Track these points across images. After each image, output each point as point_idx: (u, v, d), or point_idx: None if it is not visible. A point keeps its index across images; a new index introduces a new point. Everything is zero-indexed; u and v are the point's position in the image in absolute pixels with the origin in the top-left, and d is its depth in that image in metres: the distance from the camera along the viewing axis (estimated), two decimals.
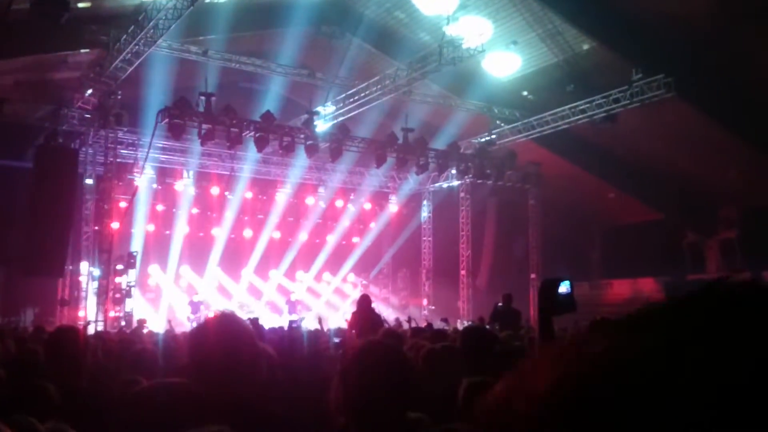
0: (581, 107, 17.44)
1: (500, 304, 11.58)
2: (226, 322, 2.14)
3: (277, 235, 22.86)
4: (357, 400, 1.96)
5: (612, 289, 22.29)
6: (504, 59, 17.18)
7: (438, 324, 14.64)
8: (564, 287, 3.12)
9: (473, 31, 15.40)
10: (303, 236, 23.35)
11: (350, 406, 1.98)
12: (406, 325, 14.84)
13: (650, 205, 21.15)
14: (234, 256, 22.04)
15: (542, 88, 18.63)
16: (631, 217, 22.12)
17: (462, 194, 22.80)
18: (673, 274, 20.26)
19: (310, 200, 23.48)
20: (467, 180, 21.74)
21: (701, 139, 17.15)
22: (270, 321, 17.87)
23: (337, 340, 8.26)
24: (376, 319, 9.48)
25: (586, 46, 16.56)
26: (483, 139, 20.69)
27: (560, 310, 3.19)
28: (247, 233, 22.44)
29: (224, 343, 2.00)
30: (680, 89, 15.25)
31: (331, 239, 23.89)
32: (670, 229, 20.93)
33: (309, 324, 18.94)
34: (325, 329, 12.73)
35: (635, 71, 15.87)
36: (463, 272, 22.47)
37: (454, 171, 21.17)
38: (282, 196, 22.90)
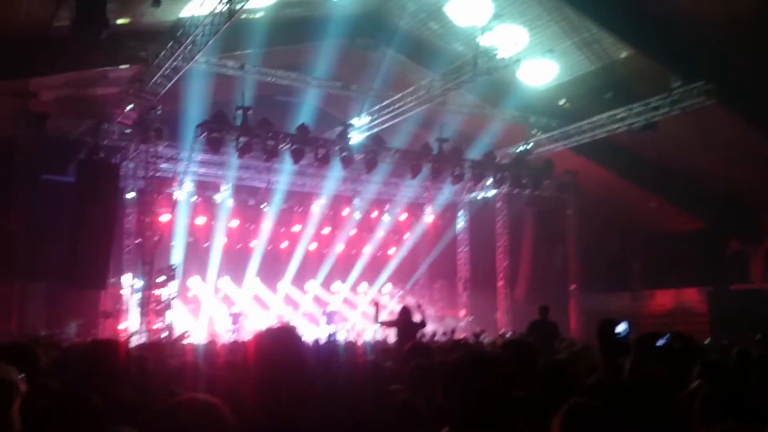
0: (620, 115, 17.20)
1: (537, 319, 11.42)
2: (282, 337, 2.19)
3: (313, 246, 22.97)
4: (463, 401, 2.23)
5: (654, 300, 21.84)
6: (540, 68, 17.03)
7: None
8: (621, 328, 3.14)
9: (508, 41, 15.32)
10: (339, 247, 23.41)
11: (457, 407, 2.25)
12: (443, 338, 14.79)
13: (692, 213, 20.71)
14: (271, 268, 22.19)
15: (579, 97, 18.42)
16: (673, 226, 21.68)
17: (498, 204, 22.65)
18: (717, 284, 19.79)
19: (345, 212, 23.55)
20: (503, 190, 21.59)
21: (744, 146, 16.74)
22: (307, 332, 17.95)
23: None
24: (414, 328, 9.57)
25: (624, 54, 16.33)
26: (519, 149, 20.53)
27: (617, 353, 3.20)
28: (284, 245, 22.59)
29: (281, 359, 2.05)
30: (721, 96, 14.95)
31: (367, 250, 23.90)
32: (713, 238, 20.45)
33: (345, 336, 19.01)
34: (361, 342, 12.79)
35: (674, 78, 15.61)
36: (500, 283, 22.28)
37: (490, 181, 21.03)
38: (318, 208, 23.01)
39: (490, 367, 2.29)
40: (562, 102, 19.38)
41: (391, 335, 12.41)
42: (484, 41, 15.07)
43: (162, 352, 7.00)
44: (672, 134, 16.98)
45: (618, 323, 3.16)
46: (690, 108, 15.48)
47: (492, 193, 22.30)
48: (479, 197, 23.05)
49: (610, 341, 3.17)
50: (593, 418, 2.57)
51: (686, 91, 15.40)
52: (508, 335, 14.94)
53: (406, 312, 10.32)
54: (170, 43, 14.76)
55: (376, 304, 12.01)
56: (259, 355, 2.13)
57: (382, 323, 11.30)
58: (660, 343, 4.16)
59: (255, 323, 20.50)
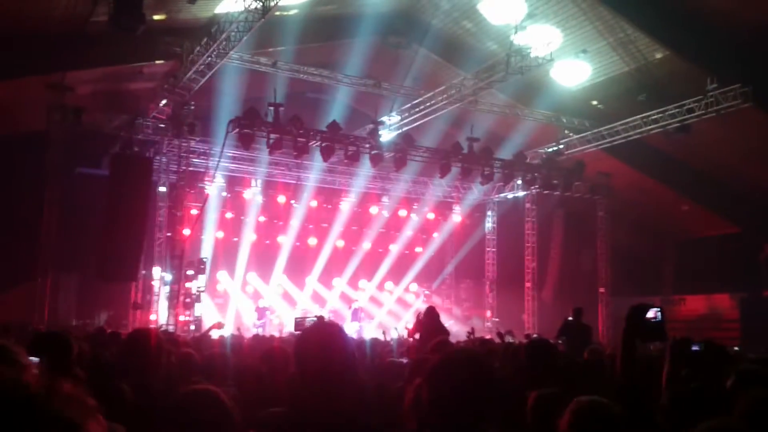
0: (654, 117, 16.97)
1: (570, 318, 11.26)
2: (329, 331, 2.28)
3: (340, 243, 23.04)
4: (441, 403, 2.11)
5: (685, 305, 21.51)
6: (573, 68, 16.87)
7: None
8: (653, 313, 3.06)
9: (541, 40, 15.20)
10: (366, 245, 23.44)
11: (432, 409, 2.13)
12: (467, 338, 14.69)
13: (726, 218, 20.35)
14: (299, 264, 22.31)
15: (613, 98, 18.21)
16: (705, 230, 21.33)
17: (528, 205, 22.47)
18: (749, 290, 19.43)
19: (373, 209, 23.58)
20: (533, 190, 21.42)
21: None
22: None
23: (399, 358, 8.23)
24: (442, 330, 9.47)
25: (659, 55, 16.11)
26: (551, 149, 20.34)
27: (648, 337, 3.12)
28: (312, 241, 22.69)
29: (327, 352, 2.15)
30: (757, 99, 14.67)
31: (394, 248, 23.89)
32: (747, 243, 20.06)
33: (371, 333, 19.01)
34: (388, 339, 12.77)
35: (710, 80, 15.35)
36: (528, 284, 22.12)
37: (519, 181, 20.88)
38: (346, 205, 23.07)
39: (472, 364, 2.22)
40: (594, 103, 19.17)
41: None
42: (517, 40, 14.96)
43: (191, 345, 7.07)
44: (706, 137, 16.70)
45: (650, 308, 3.07)
46: (725, 111, 15.21)
47: (522, 193, 22.13)
48: (509, 197, 22.89)
49: (639, 324, 3.06)
50: (602, 415, 2.41)
51: (722, 93, 15.14)
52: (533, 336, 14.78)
53: (432, 312, 10.23)
54: (204, 40, 14.91)
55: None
56: (307, 347, 2.20)
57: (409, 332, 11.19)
58: (695, 348, 4.07)
59: (282, 318, 20.65)
